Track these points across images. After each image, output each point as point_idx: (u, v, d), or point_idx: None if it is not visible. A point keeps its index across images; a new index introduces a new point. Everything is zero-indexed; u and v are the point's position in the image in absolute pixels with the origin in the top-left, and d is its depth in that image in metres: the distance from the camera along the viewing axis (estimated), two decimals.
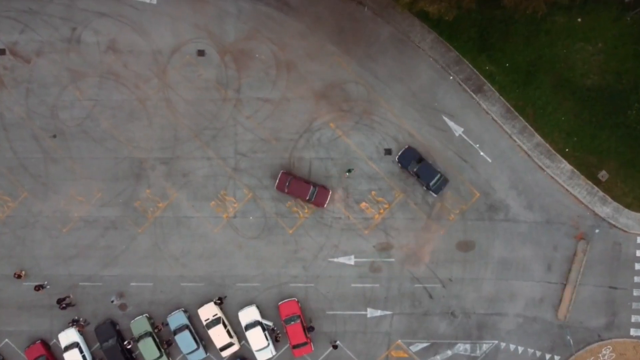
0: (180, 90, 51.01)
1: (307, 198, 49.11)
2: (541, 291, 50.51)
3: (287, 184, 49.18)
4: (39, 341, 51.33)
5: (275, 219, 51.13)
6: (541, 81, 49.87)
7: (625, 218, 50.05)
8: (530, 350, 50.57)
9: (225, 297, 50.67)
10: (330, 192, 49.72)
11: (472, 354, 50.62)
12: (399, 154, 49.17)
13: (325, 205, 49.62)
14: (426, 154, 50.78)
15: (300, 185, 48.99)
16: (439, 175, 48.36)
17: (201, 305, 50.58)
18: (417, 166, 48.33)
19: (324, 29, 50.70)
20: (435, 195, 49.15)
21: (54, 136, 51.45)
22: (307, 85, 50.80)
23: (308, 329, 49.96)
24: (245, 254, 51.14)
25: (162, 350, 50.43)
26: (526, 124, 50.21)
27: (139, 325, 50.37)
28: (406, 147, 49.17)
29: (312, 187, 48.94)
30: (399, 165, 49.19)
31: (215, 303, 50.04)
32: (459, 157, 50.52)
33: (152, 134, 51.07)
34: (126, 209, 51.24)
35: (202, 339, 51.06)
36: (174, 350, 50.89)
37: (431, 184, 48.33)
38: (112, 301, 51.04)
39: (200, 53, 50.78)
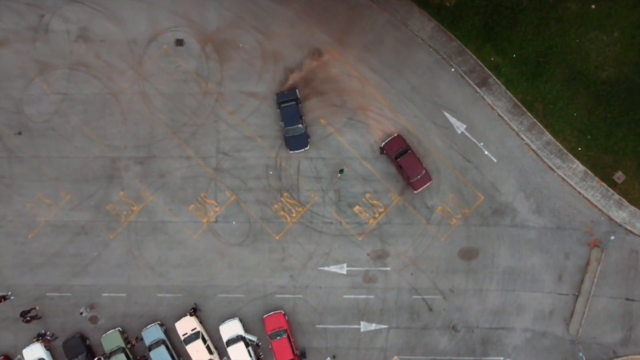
0: (157, 83, 50.02)
1: (413, 179, 47.73)
2: (551, 303, 49.27)
3: (398, 151, 47.65)
4: (2, 357, 49.79)
5: (261, 224, 49.73)
6: (551, 74, 48.95)
7: None
8: None
9: (198, 310, 49.29)
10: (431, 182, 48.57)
11: None
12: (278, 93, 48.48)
13: (418, 191, 48.37)
14: (425, 153, 49.27)
15: (414, 162, 47.58)
16: (299, 126, 47.57)
17: (179, 318, 49.21)
18: (286, 104, 47.67)
19: (315, 17, 49.78)
20: (290, 151, 48.51)
21: (19, 133, 50.18)
22: (295, 77, 49.71)
23: (300, 356, 48.80)
24: (227, 262, 49.89)
25: None
26: (535, 120, 49.18)
27: (111, 340, 48.84)
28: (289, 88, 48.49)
29: (424, 169, 47.79)
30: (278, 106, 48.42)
31: (190, 314, 48.64)
32: (462, 157, 49.33)
33: (126, 131, 50.02)
34: (98, 213, 50.04)
35: (179, 355, 49.58)
36: None
37: (288, 128, 47.52)
38: (82, 313, 49.70)
39: (179, 42, 49.94)
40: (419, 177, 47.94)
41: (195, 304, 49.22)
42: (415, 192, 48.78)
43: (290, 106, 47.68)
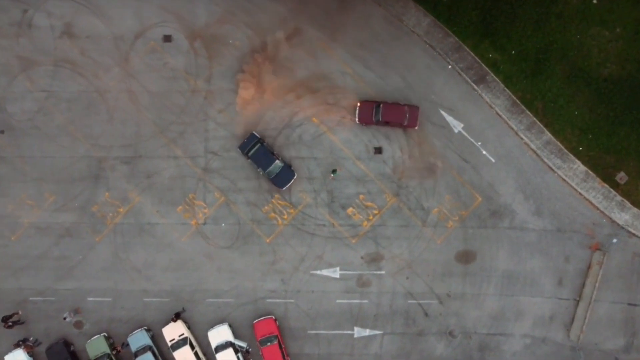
0: (144, 81, 49.67)
1: (405, 123, 47.40)
2: (551, 308, 49.03)
3: (374, 112, 47.37)
4: None
5: (251, 226, 49.43)
6: (552, 71, 48.62)
7: None
8: None
9: (184, 311, 48.95)
10: (420, 109, 48.12)
11: None
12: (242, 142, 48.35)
13: (417, 127, 47.87)
14: (421, 153, 48.94)
15: (394, 110, 47.27)
16: (277, 162, 47.48)
17: (166, 323, 48.89)
18: (252, 150, 47.56)
19: (307, 12, 49.20)
20: (281, 189, 48.35)
21: (2, 132, 49.86)
22: (287, 74, 49.26)
23: None
24: (216, 265, 49.58)
25: None
26: (535, 119, 48.89)
27: (96, 345, 48.53)
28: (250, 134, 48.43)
29: (405, 107, 47.43)
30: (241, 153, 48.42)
31: (173, 320, 48.31)
32: (459, 157, 48.99)
33: (112, 129, 49.74)
34: (83, 214, 49.77)
35: None
36: None
37: (268, 170, 47.58)
38: (65, 318, 49.40)
39: (167, 38, 49.47)
40: (408, 116, 47.52)
41: (183, 308, 48.86)
42: (416, 128, 48.01)
43: (257, 150, 47.51)
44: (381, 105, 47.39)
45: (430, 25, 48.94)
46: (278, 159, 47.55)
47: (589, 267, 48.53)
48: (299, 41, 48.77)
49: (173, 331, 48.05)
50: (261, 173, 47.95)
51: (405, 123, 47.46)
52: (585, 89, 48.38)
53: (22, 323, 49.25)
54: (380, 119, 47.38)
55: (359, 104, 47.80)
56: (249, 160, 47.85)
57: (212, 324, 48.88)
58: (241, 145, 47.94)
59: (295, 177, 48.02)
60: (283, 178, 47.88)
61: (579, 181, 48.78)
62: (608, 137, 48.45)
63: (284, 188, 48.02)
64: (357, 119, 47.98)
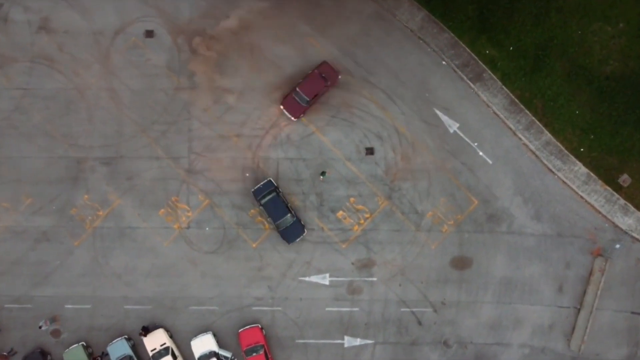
0: (125, 78, 49.38)
1: (329, 84, 47.35)
2: (551, 317, 48.74)
3: (298, 99, 47.17)
4: None
5: (237, 230, 48.79)
6: (552, 68, 48.79)
7: None
8: None
9: (147, 327, 47.88)
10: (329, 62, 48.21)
11: None
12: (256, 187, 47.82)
13: (340, 77, 47.87)
14: (414, 154, 48.49)
15: (311, 82, 47.10)
16: (288, 216, 46.98)
17: (155, 325, 48.39)
18: (266, 198, 47.09)
19: (296, 5, 49.25)
20: (288, 243, 47.80)
21: None
22: (274, 72, 49.16)
23: None
24: (200, 271, 48.92)
25: None
26: (534, 118, 48.97)
27: (74, 355, 47.46)
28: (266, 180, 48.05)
29: (316, 71, 47.32)
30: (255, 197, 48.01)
31: (141, 335, 47.43)
32: (454, 158, 48.77)
33: (92, 129, 49.31)
34: (61, 217, 49.12)
35: None
36: None
37: (278, 223, 47.10)
38: (41, 327, 48.22)
39: (149, 34, 49.24)
40: (326, 76, 47.29)
41: (144, 325, 48.06)
42: (340, 78, 47.99)
43: (271, 199, 46.82)
44: (297, 87, 47.05)
45: (424, 20, 49.07)
46: (290, 213, 46.95)
47: (590, 273, 48.44)
48: (287, 36, 48.59)
49: (154, 340, 46.98)
50: (270, 223, 47.49)
51: (329, 84, 47.17)
52: (587, 87, 48.44)
53: None
54: (308, 99, 46.92)
55: (282, 107, 47.48)
56: (260, 207, 47.25)
57: (196, 333, 48.16)
58: (255, 190, 47.24)
59: (304, 234, 47.45)
60: (292, 233, 47.32)
61: (580, 184, 48.71)
62: (610, 137, 48.46)
63: (291, 243, 47.55)
64: (293, 118, 47.53)
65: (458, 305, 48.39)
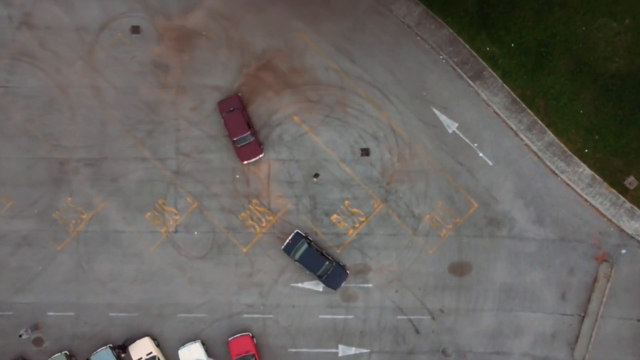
0: (110, 76, 48.82)
1: (242, 111, 46.83)
2: (553, 325, 48.42)
3: (242, 143, 46.60)
4: None
5: (226, 234, 48.36)
6: (554, 66, 48.30)
7: None
8: None
9: (126, 343, 47.48)
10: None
11: None
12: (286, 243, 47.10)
13: (242, 100, 47.50)
14: (411, 155, 47.71)
15: (233, 118, 46.46)
16: (327, 263, 46.21)
17: (133, 341, 47.83)
18: (299, 252, 46.34)
19: (287, 0, 48.64)
20: (335, 290, 47.23)
21: None
22: (265, 69, 48.49)
23: None
24: (188, 277, 48.62)
25: None
26: (536, 118, 48.58)
27: None
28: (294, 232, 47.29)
29: (225, 114, 46.66)
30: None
31: (118, 353, 47.16)
32: (453, 159, 48.29)
33: (75, 129, 48.84)
34: (43, 221, 48.77)
35: None
36: None
37: (319, 274, 46.38)
38: (21, 336, 47.76)
39: (135, 30, 48.71)
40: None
41: (127, 338, 47.67)
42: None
43: (305, 252, 46.12)
44: (231, 138, 46.22)
45: (421, 15, 48.69)
46: (328, 260, 46.34)
47: (595, 280, 48.25)
48: (278, 32, 48.01)
49: (141, 349, 46.79)
50: (311, 275, 46.77)
51: (241, 108, 46.44)
52: (591, 85, 48.09)
53: None
54: (249, 133, 46.12)
55: (245, 162, 46.82)
56: (297, 263, 46.58)
57: (184, 342, 47.99)
58: (286, 247, 46.60)
59: (348, 276, 46.81)
60: (336, 279, 46.61)
61: (584, 186, 48.46)
62: (616, 138, 48.16)
63: (338, 289, 46.84)
64: (260, 156, 46.89)
65: (457, 312, 48.17)
